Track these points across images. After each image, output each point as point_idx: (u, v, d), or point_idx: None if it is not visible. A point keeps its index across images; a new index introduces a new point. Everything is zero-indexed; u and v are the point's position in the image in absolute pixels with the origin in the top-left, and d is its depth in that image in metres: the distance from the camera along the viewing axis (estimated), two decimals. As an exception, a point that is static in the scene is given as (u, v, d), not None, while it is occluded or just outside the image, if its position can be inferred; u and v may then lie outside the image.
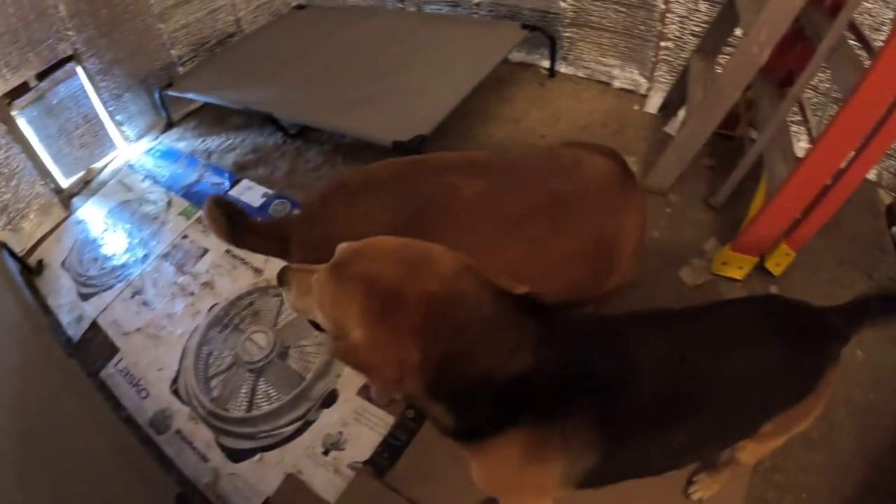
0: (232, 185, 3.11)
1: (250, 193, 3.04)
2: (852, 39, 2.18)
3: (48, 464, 1.98)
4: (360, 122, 2.81)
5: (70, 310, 2.72)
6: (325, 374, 2.18)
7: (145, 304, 2.65)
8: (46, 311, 2.72)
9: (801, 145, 2.75)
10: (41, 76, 3.10)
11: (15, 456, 2.01)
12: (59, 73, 3.16)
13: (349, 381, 2.16)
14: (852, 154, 1.96)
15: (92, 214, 3.19)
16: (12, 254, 2.84)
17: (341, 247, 0.98)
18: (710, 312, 1.21)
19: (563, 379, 0.98)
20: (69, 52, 3.16)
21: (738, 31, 2.77)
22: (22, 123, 3.08)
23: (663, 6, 3.01)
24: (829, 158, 1.97)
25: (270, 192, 3.02)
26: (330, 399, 2.13)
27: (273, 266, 2.64)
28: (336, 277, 0.94)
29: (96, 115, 3.39)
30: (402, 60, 3.30)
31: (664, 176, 2.67)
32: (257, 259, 2.70)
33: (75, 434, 2.01)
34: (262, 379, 2.24)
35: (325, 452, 2.00)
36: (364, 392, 2.12)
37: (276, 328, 2.37)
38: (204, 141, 3.54)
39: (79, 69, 3.24)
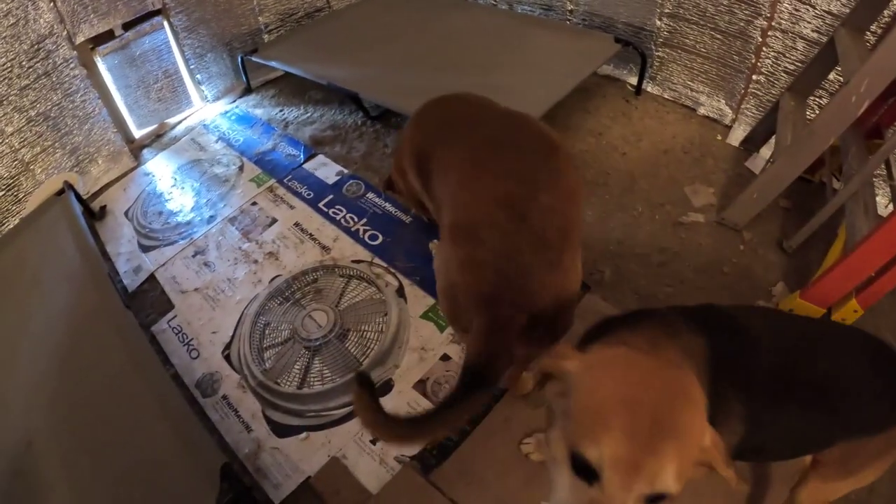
0: (307, 159, 3.09)
1: (325, 170, 3.02)
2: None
3: (95, 409, 1.98)
4: None
5: (129, 259, 2.73)
6: (383, 363, 2.14)
7: (206, 265, 2.64)
8: (105, 257, 2.71)
9: (881, 200, 2.66)
10: (127, 26, 3.11)
11: (64, 397, 2.02)
12: (145, 26, 3.17)
13: (406, 372, 2.13)
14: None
15: (161, 168, 3.19)
16: (77, 196, 2.83)
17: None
18: (822, 323, 1.36)
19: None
20: (158, 6, 3.18)
21: (832, 75, 2.69)
22: (102, 70, 3.10)
23: (760, 39, 2.93)
24: None
25: (345, 170, 3.00)
26: (385, 388, 2.09)
27: (340, 245, 2.62)
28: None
29: (177, 71, 3.40)
30: (491, 57, 3.25)
31: (742, 213, 2.60)
32: (326, 236, 2.68)
33: (123, 384, 2.01)
34: (317, 358, 2.21)
35: (373, 441, 1.96)
36: (419, 386, 2.08)
37: (338, 309, 2.34)
38: (282, 111, 3.53)
39: (165, 24, 3.25)
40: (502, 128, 1.76)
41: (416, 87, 2.92)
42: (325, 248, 2.63)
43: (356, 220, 2.70)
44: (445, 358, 2.14)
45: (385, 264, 2.49)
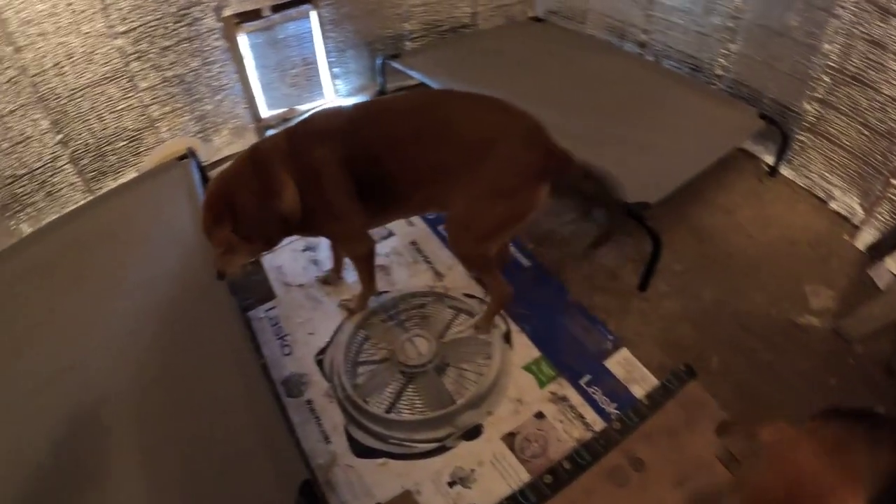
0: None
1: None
2: None
3: (180, 382, 1.98)
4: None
5: None
6: (477, 406, 2.11)
7: (315, 262, 2.65)
8: None
9: None
10: (277, 8, 3.16)
11: (149, 365, 2.02)
12: (293, 11, 3.23)
13: (498, 421, 2.09)
14: None
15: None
16: (198, 164, 2.89)
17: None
18: None
19: None
20: (309, -5, 3.22)
21: None
22: (244, 46, 3.16)
23: (908, 143, 2.81)
24: None
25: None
26: (473, 432, 2.06)
27: (454, 275, 2.60)
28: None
29: (315, 62, 3.45)
30: (630, 110, 3.19)
31: (859, 326, 2.49)
32: (441, 262, 2.67)
33: (213, 364, 2.01)
34: (411, 385, 2.19)
35: (451, 484, 1.93)
36: (508, 439, 2.04)
37: (442, 340, 2.32)
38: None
39: (313, 13, 3.30)
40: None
41: (551, 128, 2.89)
42: (438, 274, 2.61)
43: (474, 255, 2.66)
44: (540, 415, 2.10)
45: (496, 306, 2.45)
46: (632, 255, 2.70)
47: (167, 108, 3.10)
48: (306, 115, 2.13)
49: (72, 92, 2.77)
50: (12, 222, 2.82)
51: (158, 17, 2.84)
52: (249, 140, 3.26)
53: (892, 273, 2.72)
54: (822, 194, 3.22)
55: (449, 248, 2.66)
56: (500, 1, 4.18)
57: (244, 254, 1.92)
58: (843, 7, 2.83)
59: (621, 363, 2.26)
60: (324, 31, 3.37)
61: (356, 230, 2.07)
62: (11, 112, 2.62)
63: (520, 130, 1.87)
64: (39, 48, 2.59)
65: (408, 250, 2.71)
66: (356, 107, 1.98)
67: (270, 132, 3.33)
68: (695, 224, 2.98)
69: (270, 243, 2.00)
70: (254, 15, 3.12)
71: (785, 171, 3.36)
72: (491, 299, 2.29)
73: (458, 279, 2.59)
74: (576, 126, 2.93)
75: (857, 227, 3.07)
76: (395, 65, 3.48)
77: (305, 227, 1.96)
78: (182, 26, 2.93)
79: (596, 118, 3.07)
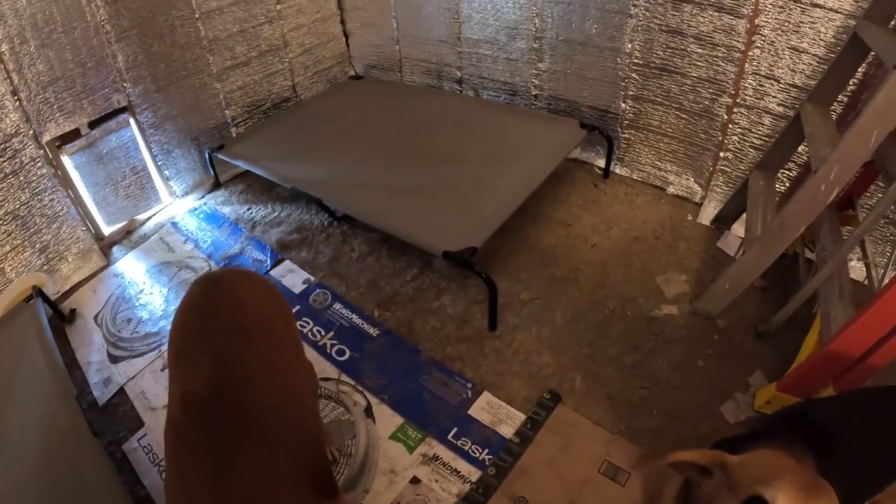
0: (273, 265, 3.05)
1: (292, 277, 2.97)
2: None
3: None
4: (409, 224, 2.71)
5: (99, 370, 2.66)
6: (353, 487, 2.04)
7: (174, 380, 2.59)
8: (75, 365, 2.66)
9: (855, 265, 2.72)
10: (93, 124, 3.10)
11: None
12: (111, 123, 3.17)
13: (376, 498, 2.06)
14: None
15: (130, 270, 3.15)
16: (47, 299, 2.79)
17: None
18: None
19: None
20: (123, 104, 3.18)
21: (801, 148, 2.74)
22: (70, 168, 3.08)
23: (726, 116, 2.96)
24: (892, 311, 1.85)
25: (312, 278, 2.95)
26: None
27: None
28: None
29: (145, 168, 3.39)
30: (459, 150, 3.26)
31: (715, 303, 2.59)
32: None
33: None
34: None
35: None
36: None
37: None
38: (250, 209, 3.50)
39: (132, 121, 3.25)
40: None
41: (379, 191, 2.94)
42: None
43: (323, 333, 2.64)
44: (415, 481, 2.10)
45: (353, 382, 2.43)
46: (476, 296, 2.72)
47: (6, 248, 2.98)
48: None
49: None
50: None
51: (-22, 158, 2.75)
52: (96, 263, 3.17)
53: (741, 238, 2.84)
54: (658, 182, 3.36)
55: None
56: (318, 67, 4.22)
57: None
58: (635, 6, 2.99)
59: (485, 408, 2.28)
60: (146, 137, 3.31)
61: None
62: None
63: None
64: None
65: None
66: None
67: (116, 249, 3.26)
68: (537, 247, 3.03)
69: None
70: (74, 135, 3.05)
71: (618, 169, 3.49)
72: None
73: (313, 364, 2.54)
74: (405, 179, 3.00)
75: (698, 205, 3.22)
76: (222, 157, 3.45)
77: None
78: (3, 161, 2.82)
79: (424, 167, 3.14)
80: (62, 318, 2.88)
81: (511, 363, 2.45)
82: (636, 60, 3.14)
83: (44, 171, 2.95)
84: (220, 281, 1.62)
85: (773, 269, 2.42)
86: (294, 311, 2.75)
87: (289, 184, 3.16)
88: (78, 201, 3.17)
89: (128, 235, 3.38)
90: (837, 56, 2.44)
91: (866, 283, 2.35)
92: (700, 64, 2.94)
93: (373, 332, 2.64)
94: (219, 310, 1.52)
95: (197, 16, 3.35)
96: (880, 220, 2.62)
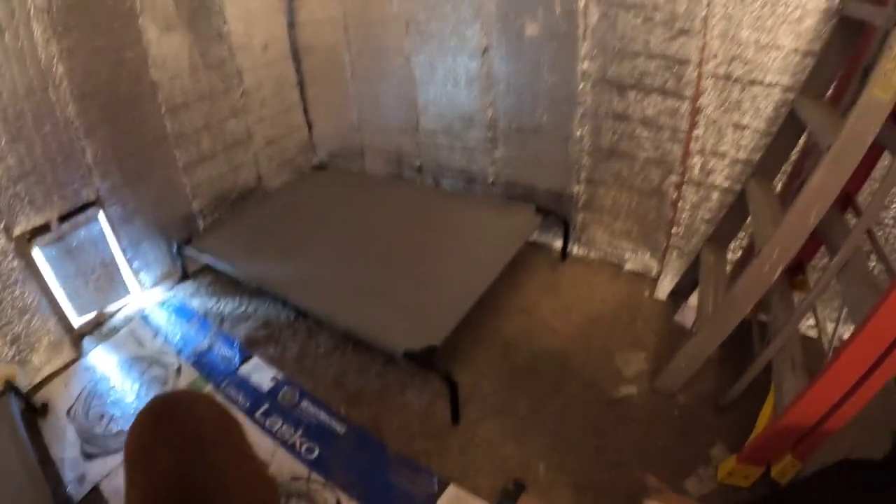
0: (242, 362, 3.07)
1: (259, 374, 2.99)
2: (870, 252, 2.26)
3: None
4: (371, 324, 2.76)
5: (73, 467, 2.61)
6: None
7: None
8: (49, 461, 2.62)
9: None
10: (63, 218, 3.14)
11: None
12: (80, 217, 3.21)
13: None
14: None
15: (102, 363, 3.16)
16: (19, 392, 2.79)
17: None
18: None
19: None
20: (93, 198, 3.23)
21: (749, 221, 2.87)
22: (41, 261, 3.11)
23: (675, 194, 3.10)
24: (841, 381, 1.94)
25: (280, 376, 2.97)
26: None
27: (279, 460, 2.58)
28: None
29: (114, 260, 3.42)
30: (417, 244, 3.35)
31: (674, 380, 2.66)
32: (264, 451, 2.61)
33: None
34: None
35: None
36: None
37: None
38: (218, 302, 3.54)
39: (100, 215, 3.29)
40: None
41: (340, 289, 3.04)
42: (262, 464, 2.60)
43: (293, 432, 2.67)
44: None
45: (323, 479, 2.46)
46: (440, 390, 2.75)
47: (-23, 337, 3.00)
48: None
49: None
50: None
51: (-52, 250, 2.78)
52: (68, 355, 3.18)
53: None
54: (615, 260, 3.49)
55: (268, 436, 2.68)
56: (282, 157, 4.33)
57: None
58: (583, 95, 3.13)
59: (452, 501, 2.32)
60: (115, 230, 3.36)
61: None
62: None
63: None
64: None
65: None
66: None
67: (87, 341, 3.28)
68: (498, 337, 3.09)
69: None
70: (44, 228, 3.09)
71: (576, 249, 3.62)
72: None
73: (284, 464, 2.56)
74: (366, 277, 3.09)
75: (655, 280, 3.34)
76: (189, 252, 3.52)
77: None
78: (-26, 256, 2.88)
79: (384, 264, 3.23)
80: (34, 411, 2.87)
81: (475, 456, 2.49)
82: (587, 145, 3.29)
83: (14, 263, 2.98)
84: (177, 398, 1.68)
85: (730, 338, 2.50)
86: (263, 409, 2.78)
87: (253, 283, 3.25)
88: (48, 293, 3.19)
89: (98, 327, 3.39)
90: (777, 132, 2.60)
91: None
92: (647, 146, 3.10)
93: (340, 429, 2.67)
94: (176, 420, 1.57)
95: (163, 111, 3.44)
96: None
